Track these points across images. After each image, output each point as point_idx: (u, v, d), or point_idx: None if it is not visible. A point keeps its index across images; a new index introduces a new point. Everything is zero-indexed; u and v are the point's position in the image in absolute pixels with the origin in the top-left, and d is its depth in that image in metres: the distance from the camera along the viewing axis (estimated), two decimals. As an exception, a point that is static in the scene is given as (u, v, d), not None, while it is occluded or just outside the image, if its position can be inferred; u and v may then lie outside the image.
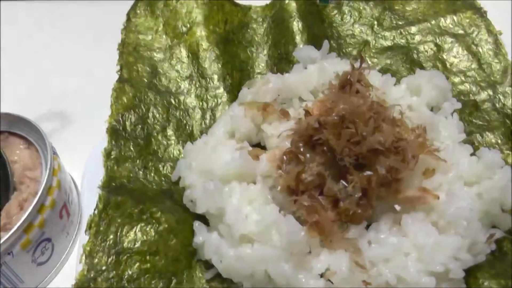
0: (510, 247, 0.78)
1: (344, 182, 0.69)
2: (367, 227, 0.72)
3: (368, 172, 0.68)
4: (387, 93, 0.86)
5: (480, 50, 1.00)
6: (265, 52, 0.99)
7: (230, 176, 0.74)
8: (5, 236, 0.69)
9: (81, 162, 0.87)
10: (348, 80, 0.76)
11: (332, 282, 0.66)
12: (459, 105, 0.88)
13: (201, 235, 0.73)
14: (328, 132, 0.67)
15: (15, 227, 0.70)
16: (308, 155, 0.70)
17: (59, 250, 0.80)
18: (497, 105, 0.94)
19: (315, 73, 0.87)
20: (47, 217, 0.75)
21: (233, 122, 0.81)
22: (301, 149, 0.71)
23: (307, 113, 0.75)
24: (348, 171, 0.68)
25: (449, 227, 0.69)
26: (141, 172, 0.84)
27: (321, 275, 0.67)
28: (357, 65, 0.82)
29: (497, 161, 0.75)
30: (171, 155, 0.87)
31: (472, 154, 0.80)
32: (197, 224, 0.74)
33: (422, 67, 0.98)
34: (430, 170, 0.75)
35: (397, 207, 0.70)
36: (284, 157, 0.72)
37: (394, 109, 0.76)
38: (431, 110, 0.89)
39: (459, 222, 0.68)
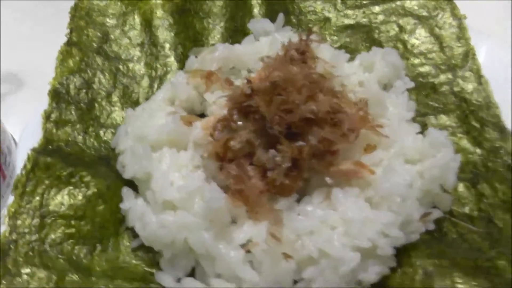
0: (450, 228, 0.76)
1: (274, 152, 0.66)
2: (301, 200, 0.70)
3: (301, 143, 0.66)
4: (340, 68, 0.84)
5: (443, 33, 0.97)
6: (222, 24, 0.97)
7: (162, 142, 0.72)
8: None
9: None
10: (292, 50, 0.73)
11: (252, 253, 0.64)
12: (412, 84, 0.86)
13: (128, 201, 0.71)
14: (259, 98, 0.65)
15: None
16: (240, 122, 0.67)
17: (-9, 212, 0.78)
18: (455, 88, 0.92)
19: (266, 45, 0.84)
20: (-23, 177, 0.73)
21: (173, 88, 0.79)
22: (235, 117, 0.68)
23: (248, 81, 0.73)
24: (279, 140, 0.66)
25: (382, 203, 0.67)
26: (80, 137, 0.82)
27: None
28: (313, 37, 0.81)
29: (441, 141, 0.73)
30: (114, 122, 0.85)
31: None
32: (125, 190, 0.72)
33: (382, 47, 0.95)
34: (372, 145, 0.73)
35: (329, 181, 0.67)
36: (218, 124, 0.70)
37: (335, 80, 0.74)
38: (384, 87, 0.87)
39: (393, 198, 0.66)
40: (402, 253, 0.70)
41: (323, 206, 0.66)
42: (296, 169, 0.66)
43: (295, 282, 0.65)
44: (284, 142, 0.65)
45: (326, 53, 0.82)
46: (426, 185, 0.71)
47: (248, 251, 0.64)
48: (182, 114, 0.75)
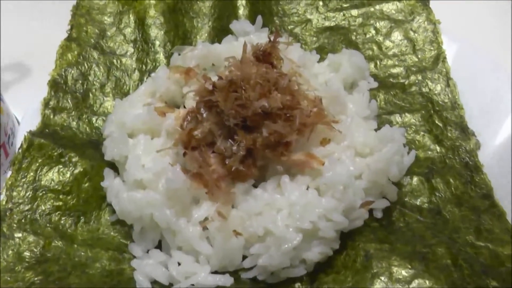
0: (399, 217, 0.83)
1: (232, 141, 0.75)
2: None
3: (256, 134, 0.74)
4: (309, 68, 0.92)
5: (417, 36, 1.03)
6: (210, 23, 1.05)
7: (139, 129, 0.82)
8: None
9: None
10: (257, 52, 0.81)
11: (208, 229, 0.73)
12: (375, 84, 0.93)
13: (108, 180, 0.81)
14: (218, 94, 0.74)
15: None
16: (204, 115, 0.76)
17: (-6, 185, 0.89)
18: (423, 89, 0.98)
19: (241, 45, 0.92)
20: (-17, 153, 0.85)
21: (154, 82, 0.88)
22: (201, 110, 0.77)
23: (220, 78, 0.81)
24: (236, 131, 0.74)
25: (327, 191, 0.75)
26: (74, 123, 0.92)
27: (204, 224, 0.74)
28: (282, 39, 0.89)
29: (389, 136, 0.80)
30: (106, 110, 0.95)
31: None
32: (106, 170, 0.82)
33: (358, 49, 1.02)
34: (327, 139, 0.81)
35: (280, 169, 0.76)
36: (188, 116, 0.79)
37: (300, 79, 0.82)
38: (351, 87, 0.94)
39: (336, 187, 0.74)
40: (348, 237, 0.78)
41: (273, 191, 0.75)
42: (251, 157, 0.75)
43: (245, 257, 0.74)
44: (240, 133, 0.74)
45: (295, 54, 0.89)
46: (372, 177, 0.78)
47: (206, 228, 0.73)
48: (158, 105, 0.84)
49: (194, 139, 0.76)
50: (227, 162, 0.75)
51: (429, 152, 0.91)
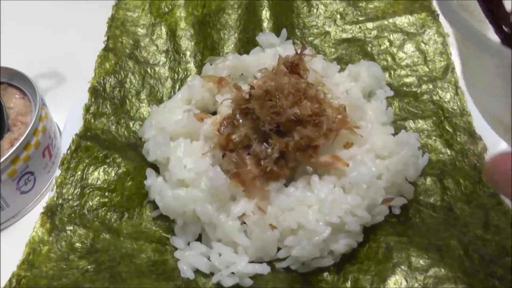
0: (414, 213, 0.91)
1: (266, 145, 0.83)
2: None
3: (288, 138, 0.82)
4: (330, 78, 1.00)
5: (428, 48, 1.12)
6: (236, 35, 1.14)
7: (179, 133, 0.89)
8: (-5, 166, 0.86)
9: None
10: (286, 63, 0.90)
11: (246, 224, 0.81)
12: (391, 93, 1.02)
13: (151, 179, 0.89)
14: (255, 103, 0.82)
15: (3, 158, 0.87)
16: (241, 121, 0.84)
17: (40, 183, 0.97)
18: (434, 97, 1.06)
19: (269, 56, 1.00)
20: (31, 154, 0.92)
21: (190, 90, 0.96)
22: (237, 116, 0.85)
23: (251, 87, 0.90)
24: (270, 136, 0.82)
25: (352, 189, 0.83)
26: (113, 127, 1.00)
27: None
28: (307, 51, 0.97)
29: (406, 140, 0.88)
30: (141, 115, 1.03)
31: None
32: (148, 170, 0.90)
33: (373, 59, 1.11)
34: (349, 143, 0.89)
35: (309, 169, 0.84)
36: (224, 121, 0.87)
37: (324, 88, 0.90)
38: (369, 95, 1.02)
39: (360, 185, 0.82)
40: (370, 231, 0.86)
41: (303, 189, 0.83)
42: (283, 159, 0.83)
43: (279, 249, 0.82)
44: (274, 137, 0.82)
45: (318, 65, 0.97)
46: (391, 177, 0.86)
47: (243, 222, 0.81)
48: (196, 111, 0.92)
49: (232, 143, 0.83)
50: (262, 163, 0.82)
51: (441, 155, 0.99)
